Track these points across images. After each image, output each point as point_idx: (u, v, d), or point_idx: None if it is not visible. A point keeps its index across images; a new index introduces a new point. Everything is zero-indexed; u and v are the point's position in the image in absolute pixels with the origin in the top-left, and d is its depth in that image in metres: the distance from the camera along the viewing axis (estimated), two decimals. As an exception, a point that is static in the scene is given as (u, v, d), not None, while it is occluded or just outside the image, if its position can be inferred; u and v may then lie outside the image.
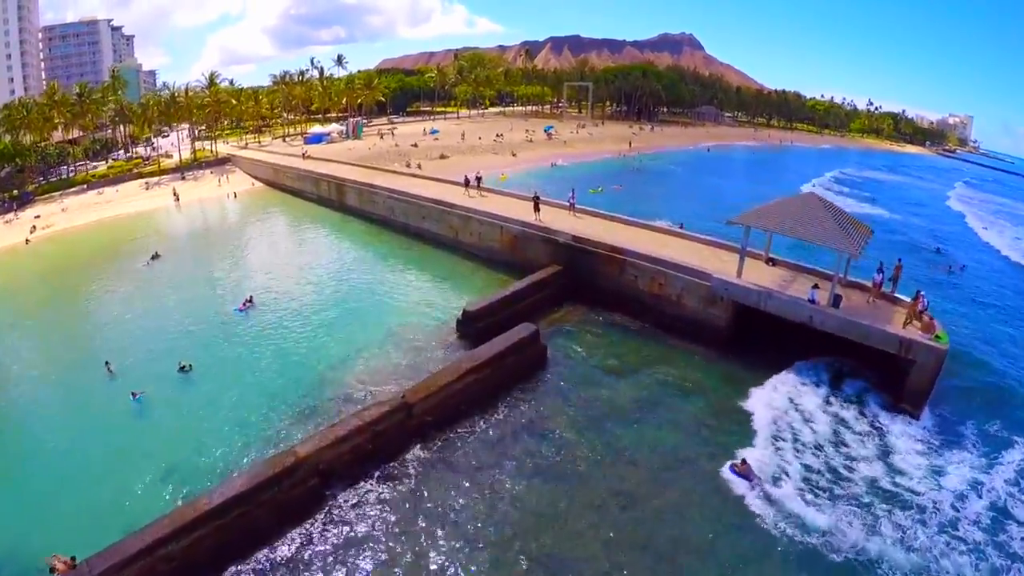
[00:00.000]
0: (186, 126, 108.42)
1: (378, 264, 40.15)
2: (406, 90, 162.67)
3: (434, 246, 41.81)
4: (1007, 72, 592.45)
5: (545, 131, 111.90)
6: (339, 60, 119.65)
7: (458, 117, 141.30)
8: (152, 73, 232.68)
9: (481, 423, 21.30)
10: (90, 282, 40.12)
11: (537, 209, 35.96)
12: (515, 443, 20.53)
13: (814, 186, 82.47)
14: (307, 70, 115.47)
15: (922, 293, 24.52)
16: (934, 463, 19.93)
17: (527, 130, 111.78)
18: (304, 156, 75.32)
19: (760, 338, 26.66)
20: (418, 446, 19.81)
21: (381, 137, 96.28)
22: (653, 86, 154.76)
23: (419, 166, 71.74)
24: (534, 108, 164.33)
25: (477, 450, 20.04)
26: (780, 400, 23.24)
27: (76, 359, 28.25)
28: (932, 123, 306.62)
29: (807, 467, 19.44)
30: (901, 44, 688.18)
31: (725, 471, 18.96)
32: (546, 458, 19.82)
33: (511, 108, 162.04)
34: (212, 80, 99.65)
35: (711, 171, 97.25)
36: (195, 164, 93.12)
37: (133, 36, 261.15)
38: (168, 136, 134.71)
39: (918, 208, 78.04)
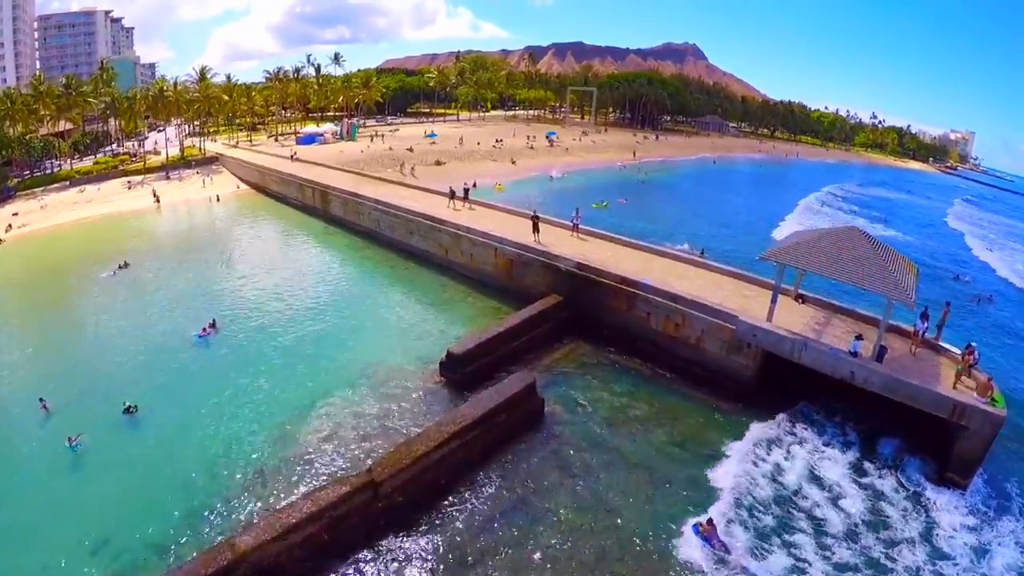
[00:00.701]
0: (180, 122, 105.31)
1: (358, 285, 36.52)
2: (406, 90, 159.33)
3: (422, 265, 38.27)
4: (1008, 89, 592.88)
5: (547, 137, 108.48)
6: (336, 58, 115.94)
7: (458, 120, 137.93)
8: (151, 66, 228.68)
9: (466, 501, 17.70)
10: (48, 294, 36.50)
11: (536, 229, 32.45)
12: (507, 527, 16.98)
13: (823, 206, 79.43)
14: (303, 67, 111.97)
15: (974, 345, 21.27)
16: (983, 541, 17.16)
17: (528, 136, 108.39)
18: (292, 158, 71.68)
19: (788, 390, 23.31)
20: (388, 535, 16.21)
21: (372, 140, 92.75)
22: (658, 94, 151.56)
23: (412, 171, 68.26)
24: (536, 112, 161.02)
25: (461, 538, 16.45)
26: (804, 463, 20.17)
27: (7, 393, 24.59)
28: (933, 138, 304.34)
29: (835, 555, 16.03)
30: (902, 58, 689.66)
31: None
32: (545, 547, 16.29)
33: (512, 112, 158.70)
34: (203, 75, 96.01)
35: (720, 184, 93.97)
36: (182, 163, 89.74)
37: (133, 28, 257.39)
38: (164, 131, 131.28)
39: (930, 230, 74.95)
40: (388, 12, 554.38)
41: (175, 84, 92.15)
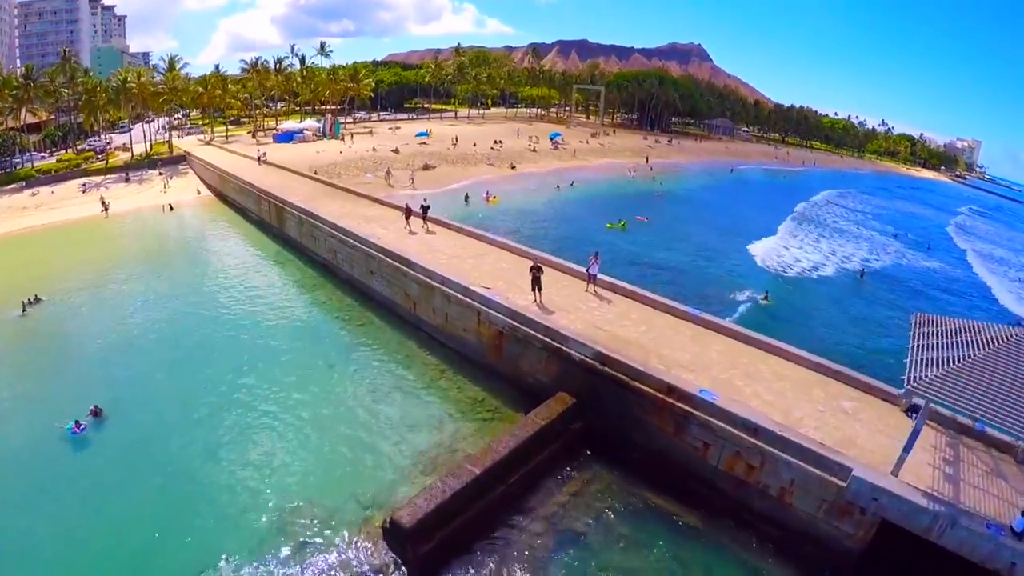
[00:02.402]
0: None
1: (295, 350, 26.73)
2: (402, 85, 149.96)
3: (385, 318, 29.12)
4: (1012, 97, 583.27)
5: (551, 139, 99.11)
6: (322, 48, 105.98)
7: (455, 117, 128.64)
8: (145, 55, 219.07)
9: None
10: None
11: (538, 285, 23.28)
12: None
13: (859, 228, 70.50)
14: (287, 57, 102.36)
15: None
16: None
17: (530, 137, 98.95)
18: (260, 160, 62.55)
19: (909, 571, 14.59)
20: None
21: (351, 139, 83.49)
22: (670, 95, 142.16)
23: (387, 173, 59.09)
24: (539, 111, 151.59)
25: None
26: None
27: None
28: (940, 146, 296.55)
29: None
30: (907, 64, 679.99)
31: None
32: None
33: (514, 110, 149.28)
34: (171, 65, 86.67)
35: (747, 199, 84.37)
36: (146, 162, 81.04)
37: (125, 16, 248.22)
38: (151, 122, 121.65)
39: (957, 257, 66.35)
40: (393, 7, 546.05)
41: (138, 75, 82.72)
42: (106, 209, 57.08)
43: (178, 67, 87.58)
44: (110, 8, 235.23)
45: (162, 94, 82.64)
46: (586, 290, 25.13)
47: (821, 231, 68.33)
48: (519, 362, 22.03)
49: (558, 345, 20.31)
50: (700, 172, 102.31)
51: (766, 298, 35.81)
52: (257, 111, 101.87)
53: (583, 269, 25.87)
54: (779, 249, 53.97)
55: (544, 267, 24.01)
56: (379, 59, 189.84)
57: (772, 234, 59.72)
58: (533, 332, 21.11)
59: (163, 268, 39.44)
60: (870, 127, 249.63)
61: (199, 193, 64.11)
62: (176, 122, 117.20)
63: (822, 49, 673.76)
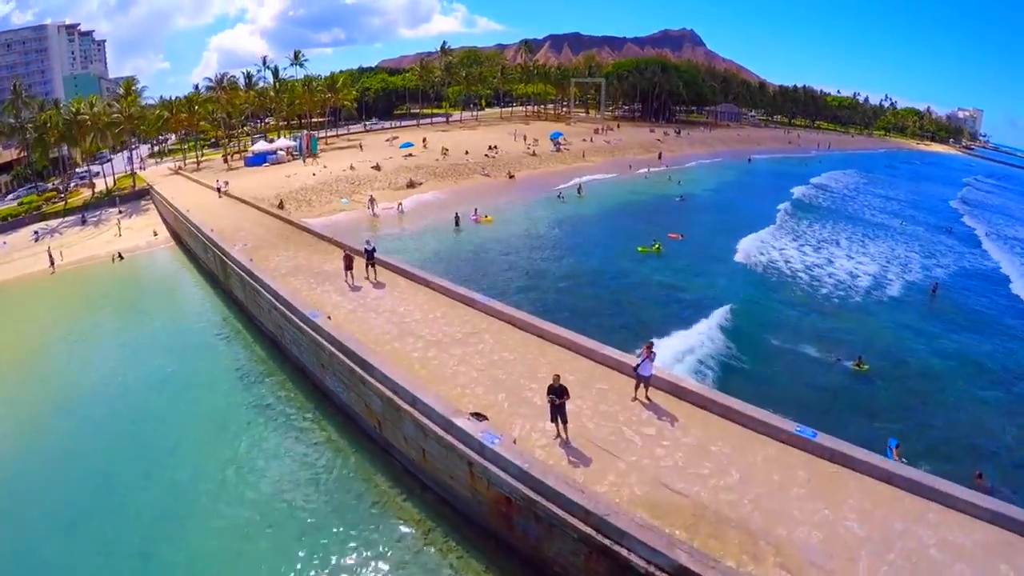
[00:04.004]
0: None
1: (226, 481, 18.56)
2: (390, 91, 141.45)
3: (343, 432, 20.45)
4: (1010, 64, 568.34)
5: (552, 139, 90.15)
6: (296, 58, 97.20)
7: (447, 121, 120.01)
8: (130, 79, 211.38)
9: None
10: None
11: (561, 415, 14.58)
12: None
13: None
14: (260, 70, 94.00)
15: None
16: None
17: (529, 138, 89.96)
18: (220, 192, 54.26)
19: None
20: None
21: (314, 161, 74.70)
22: (674, 82, 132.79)
23: (371, 201, 50.48)
24: (535, 108, 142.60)
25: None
26: None
27: None
28: (943, 118, 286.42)
29: None
30: (903, 37, 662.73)
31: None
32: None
33: (509, 109, 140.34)
34: (128, 89, 78.54)
35: (777, 196, 74.61)
36: (107, 199, 73.45)
37: (104, 41, 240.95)
38: (136, 149, 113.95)
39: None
40: (382, 11, 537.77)
41: (91, 104, 74.54)
42: (52, 264, 49.38)
43: (135, 92, 79.39)
44: (88, 34, 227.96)
45: (118, 123, 74.35)
46: (634, 398, 16.42)
47: (865, 230, 59.38)
48: (542, 547, 13.40)
49: (607, 542, 11.67)
50: (718, 166, 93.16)
51: (860, 363, 26.97)
52: (229, 132, 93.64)
53: (621, 355, 17.21)
54: (818, 259, 45.45)
55: (570, 378, 15.31)
56: (372, 65, 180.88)
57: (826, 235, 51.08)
58: (560, 512, 12.43)
59: (71, 354, 31.00)
60: (875, 103, 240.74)
61: (155, 235, 56.00)
62: (157, 148, 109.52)
63: (814, 26, 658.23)
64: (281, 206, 51.00)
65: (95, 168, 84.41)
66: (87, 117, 73.30)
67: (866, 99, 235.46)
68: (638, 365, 16.02)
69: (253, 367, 26.90)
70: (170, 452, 20.69)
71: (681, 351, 26.13)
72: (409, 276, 25.04)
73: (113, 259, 49.79)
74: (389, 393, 17.05)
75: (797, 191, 77.94)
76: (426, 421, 15.63)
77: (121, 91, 79.37)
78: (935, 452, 21.58)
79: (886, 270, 45.16)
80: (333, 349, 19.88)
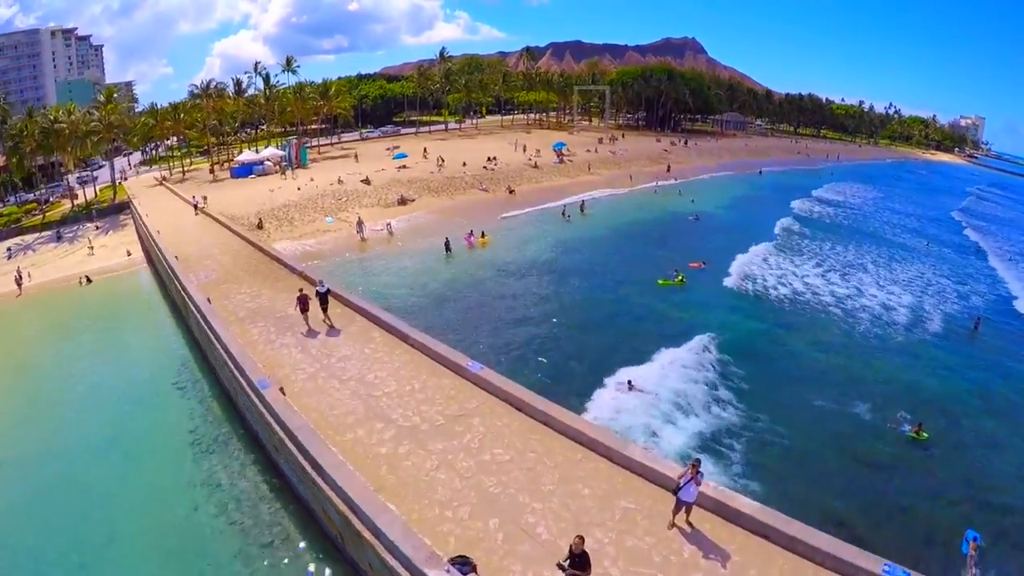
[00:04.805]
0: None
1: None
2: (388, 99, 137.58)
3: (304, 532, 16.33)
4: (1010, 71, 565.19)
5: (555, 150, 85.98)
6: (288, 64, 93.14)
7: (446, 129, 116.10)
8: (128, 85, 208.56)
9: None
10: None
11: (580, 563, 10.34)
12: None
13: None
14: (250, 76, 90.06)
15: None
16: None
17: (531, 149, 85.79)
18: (197, 209, 50.21)
19: None
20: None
21: (296, 174, 70.64)
22: (680, 90, 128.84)
23: (359, 225, 46.28)
24: (537, 116, 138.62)
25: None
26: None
27: None
28: (945, 126, 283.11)
29: None
30: (904, 44, 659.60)
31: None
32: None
33: (510, 118, 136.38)
34: (109, 97, 74.60)
35: (803, 214, 70.49)
36: (84, 213, 69.68)
37: (102, 46, 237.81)
38: (131, 155, 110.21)
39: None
40: (385, 19, 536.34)
41: (68, 112, 70.58)
42: (19, 284, 45.63)
43: (116, 98, 75.48)
44: (85, 38, 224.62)
45: (97, 132, 70.36)
46: (672, 524, 12.27)
47: (891, 251, 55.27)
48: None
49: None
50: (729, 180, 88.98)
51: (919, 431, 22.86)
52: (222, 140, 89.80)
53: (653, 460, 13.08)
54: (848, 289, 41.38)
55: (585, 491, 11.29)
56: (375, 71, 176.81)
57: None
58: None
59: (10, 406, 26.75)
60: (880, 111, 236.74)
61: (129, 255, 51.97)
62: (149, 156, 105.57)
63: (815, 33, 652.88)
64: (260, 226, 46.95)
65: (84, 175, 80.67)
66: (65, 125, 69.32)
67: (871, 107, 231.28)
68: (679, 487, 11.84)
69: (207, 430, 22.77)
70: (107, 542, 16.99)
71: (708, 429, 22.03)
72: (385, 327, 20.85)
73: (80, 282, 45.95)
74: (346, 510, 12.88)
75: (815, 209, 74.03)
76: (393, 562, 11.45)
77: (102, 98, 75.11)
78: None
79: (920, 301, 41.10)
80: (283, 435, 15.73)
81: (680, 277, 37.70)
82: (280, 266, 30.44)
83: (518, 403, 15.99)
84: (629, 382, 23.63)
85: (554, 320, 32.71)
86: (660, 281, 37.32)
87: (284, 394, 17.64)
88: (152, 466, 20.90)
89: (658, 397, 23.57)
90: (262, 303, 25.26)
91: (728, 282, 39.76)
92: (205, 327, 24.18)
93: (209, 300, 25.96)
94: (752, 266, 44.12)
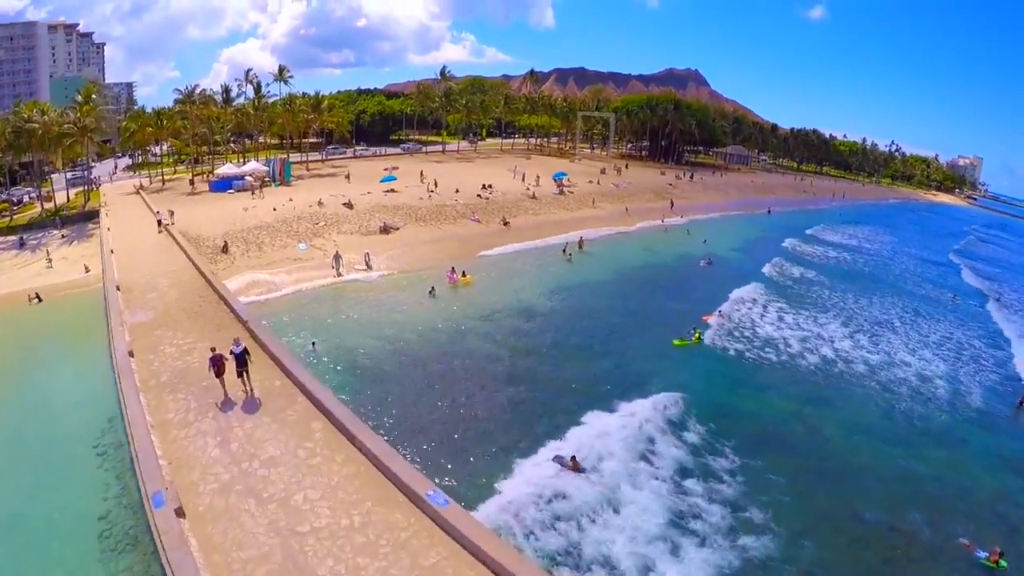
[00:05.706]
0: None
1: None
2: (387, 115, 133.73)
3: None
4: (1006, 111, 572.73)
5: (555, 179, 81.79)
6: (280, 73, 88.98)
7: (443, 151, 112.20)
8: (128, 85, 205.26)
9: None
10: None
11: None
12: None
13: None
14: (241, 84, 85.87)
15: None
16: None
17: (529, 177, 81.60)
18: (161, 226, 45.53)
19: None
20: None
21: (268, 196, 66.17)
22: (687, 121, 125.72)
23: (335, 259, 41.60)
24: (538, 141, 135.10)
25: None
26: None
27: None
28: (944, 166, 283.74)
29: None
30: (904, 84, 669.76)
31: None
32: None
33: (511, 141, 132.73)
34: (87, 97, 70.25)
35: (819, 261, 66.33)
36: (51, 220, 65.12)
37: (104, 44, 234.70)
38: (121, 158, 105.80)
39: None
40: (393, 37, 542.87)
41: (42, 112, 66.14)
42: (-33, 299, 40.82)
43: (96, 99, 71.07)
44: (87, 35, 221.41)
45: (70, 134, 65.84)
46: None
47: (916, 305, 51.07)
48: None
49: None
50: (737, 218, 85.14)
51: (998, 558, 18.32)
52: (214, 150, 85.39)
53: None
54: (879, 355, 36.99)
55: None
56: (378, 88, 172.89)
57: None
58: None
59: None
60: (882, 149, 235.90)
61: (87, 272, 47.25)
62: (137, 161, 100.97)
63: (817, 69, 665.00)
64: (225, 249, 42.28)
65: (77, 176, 76.05)
66: (37, 125, 64.83)
67: (873, 144, 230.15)
68: None
69: (121, 518, 18.40)
70: None
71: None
72: (330, 417, 16.09)
73: (30, 299, 41.30)
74: None
75: (831, 255, 70.31)
76: None
77: (79, 98, 70.73)
78: None
79: (956, 371, 36.69)
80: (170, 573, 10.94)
81: (697, 335, 33.30)
82: (227, 309, 25.69)
83: (496, 567, 11.16)
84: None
85: (548, 384, 27.99)
86: (676, 341, 32.76)
87: (182, 517, 12.89)
88: (55, 562, 16.75)
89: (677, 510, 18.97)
90: (191, 362, 20.52)
91: (743, 346, 35.12)
92: (119, 390, 19.47)
93: (131, 353, 21.21)
94: (767, 325, 39.57)
